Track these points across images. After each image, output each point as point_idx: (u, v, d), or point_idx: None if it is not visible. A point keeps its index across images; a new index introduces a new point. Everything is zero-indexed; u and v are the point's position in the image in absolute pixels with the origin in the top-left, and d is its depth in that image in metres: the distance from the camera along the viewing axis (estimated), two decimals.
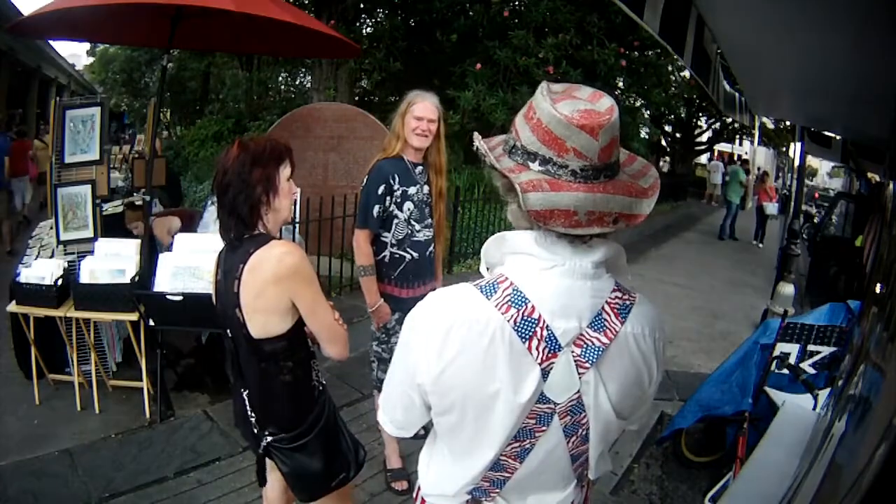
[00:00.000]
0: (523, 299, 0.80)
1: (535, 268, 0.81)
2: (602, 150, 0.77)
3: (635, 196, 0.81)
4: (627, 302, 0.86)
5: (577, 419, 0.86)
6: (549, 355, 0.81)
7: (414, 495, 1.07)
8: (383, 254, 2.27)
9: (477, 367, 0.81)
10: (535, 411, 0.84)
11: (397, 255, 2.27)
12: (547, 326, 0.80)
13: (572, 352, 0.82)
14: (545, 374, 0.81)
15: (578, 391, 0.83)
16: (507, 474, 0.90)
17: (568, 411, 0.85)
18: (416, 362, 0.85)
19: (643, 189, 0.83)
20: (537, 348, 0.80)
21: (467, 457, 0.89)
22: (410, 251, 2.28)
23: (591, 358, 0.82)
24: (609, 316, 0.83)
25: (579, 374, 0.82)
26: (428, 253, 2.33)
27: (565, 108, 0.77)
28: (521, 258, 0.83)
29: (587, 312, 0.82)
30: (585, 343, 0.82)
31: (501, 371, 0.80)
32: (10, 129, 7.13)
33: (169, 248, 2.91)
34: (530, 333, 0.80)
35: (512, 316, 0.79)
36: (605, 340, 0.82)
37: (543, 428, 0.86)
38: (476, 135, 0.88)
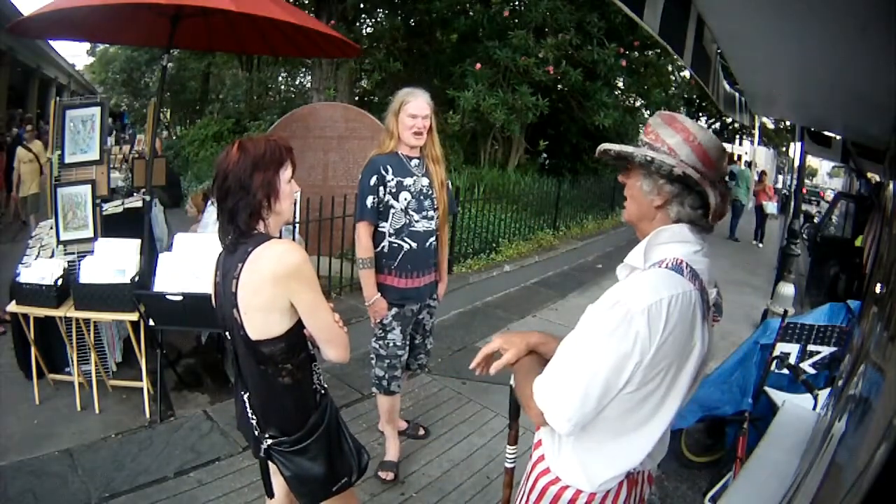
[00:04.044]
0: (695, 274, 1.03)
1: (690, 251, 1.06)
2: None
3: None
4: None
5: None
6: (708, 314, 1.06)
7: (569, 500, 1.12)
8: (382, 244, 2.28)
9: (686, 330, 1.00)
10: None
11: (395, 245, 2.28)
12: (707, 293, 1.06)
13: (711, 309, 1.09)
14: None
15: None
16: None
17: None
18: (635, 342, 0.97)
19: None
20: (706, 310, 1.05)
21: (647, 423, 1.05)
22: (409, 241, 2.28)
23: (719, 313, 1.13)
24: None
25: (710, 325, 1.08)
26: (428, 244, 2.33)
27: (711, 135, 1.06)
28: (680, 245, 1.07)
29: (712, 280, 1.10)
30: (715, 303, 1.10)
31: (697, 330, 1.02)
32: (10, 129, 7.20)
33: (171, 246, 2.91)
34: (705, 298, 1.04)
35: (696, 287, 1.02)
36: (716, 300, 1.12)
37: None
38: (645, 151, 1.06)
